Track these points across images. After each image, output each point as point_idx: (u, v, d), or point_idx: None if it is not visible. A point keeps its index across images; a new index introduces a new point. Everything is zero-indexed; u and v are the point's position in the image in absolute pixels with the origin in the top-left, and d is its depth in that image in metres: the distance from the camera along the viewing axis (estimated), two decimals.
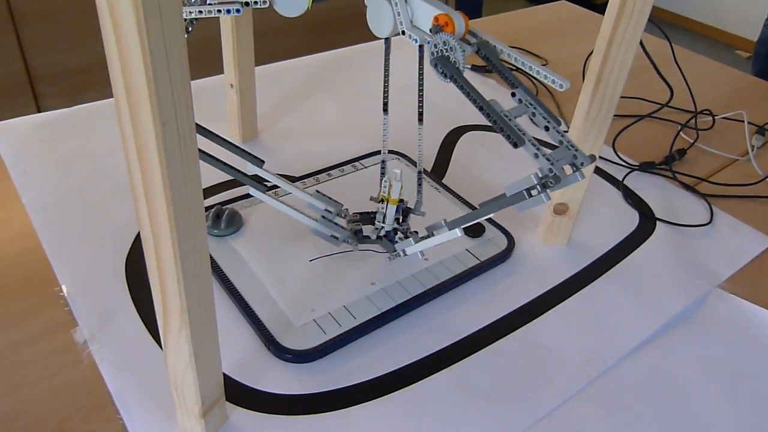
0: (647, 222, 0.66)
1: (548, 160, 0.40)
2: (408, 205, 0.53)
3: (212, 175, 0.65)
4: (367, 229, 0.55)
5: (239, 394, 0.45)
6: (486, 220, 0.61)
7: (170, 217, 0.29)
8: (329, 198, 0.54)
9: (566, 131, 0.41)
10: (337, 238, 0.53)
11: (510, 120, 0.40)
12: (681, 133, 0.81)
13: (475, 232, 0.59)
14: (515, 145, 0.39)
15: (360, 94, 0.85)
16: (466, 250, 0.58)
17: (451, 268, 0.56)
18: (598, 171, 0.73)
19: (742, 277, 0.60)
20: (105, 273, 0.54)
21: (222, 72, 0.69)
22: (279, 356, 0.48)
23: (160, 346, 0.48)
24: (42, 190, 0.62)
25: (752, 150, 0.79)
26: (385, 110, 0.51)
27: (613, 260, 0.60)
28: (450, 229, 0.46)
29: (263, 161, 0.52)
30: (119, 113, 0.27)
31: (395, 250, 0.51)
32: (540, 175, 0.40)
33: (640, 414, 0.47)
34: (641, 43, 0.56)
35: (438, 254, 0.57)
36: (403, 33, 0.45)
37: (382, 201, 0.52)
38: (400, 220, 0.53)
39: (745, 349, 0.53)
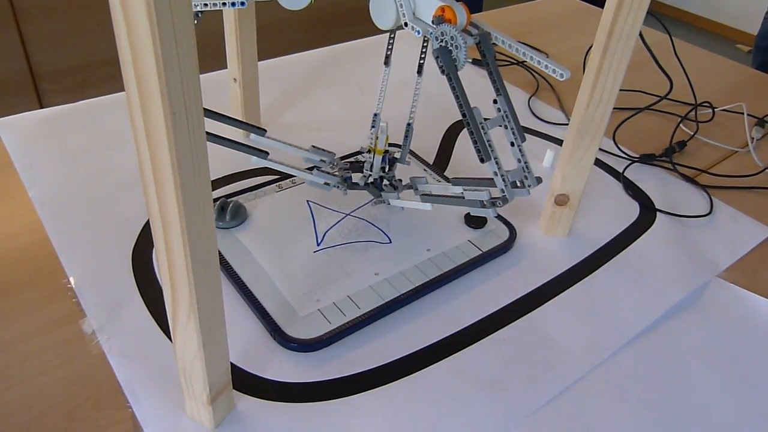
0: (648, 213, 0.66)
1: (504, 181, 0.45)
2: (394, 156, 0.58)
3: (217, 168, 0.66)
4: (356, 177, 0.59)
5: (246, 382, 0.46)
6: None
7: (179, 205, 0.30)
8: (322, 150, 0.58)
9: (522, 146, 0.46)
10: (329, 184, 0.57)
11: (485, 132, 0.44)
12: (681, 125, 0.82)
13: (477, 223, 0.60)
14: (482, 161, 0.44)
15: (362, 88, 0.86)
16: (469, 241, 0.58)
17: (453, 258, 0.56)
18: (599, 163, 0.74)
19: (742, 267, 0.61)
20: (112, 265, 0.55)
21: (225, 67, 0.70)
22: (284, 345, 0.48)
23: (168, 336, 0.49)
24: (48, 185, 0.63)
25: (752, 142, 0.80)
26: (387, 63, 0.55)
27: (614, 250, 0.61)
28: (423, 202, 0.53)
29: (265, 130, 0.55)
30: (130, 103, 0.28)
31: (380, 197, 0.57)
32: (491, 194, 0.46)
33: (642, 400, 0.47)
34: (641, 35, 0.57)
35: (441, 245, 0.57)
36: (406, 25, 0.45)
37: (369, 151, 0.57)
38: (387, 169, 0.58)
39: (744, 337, 0.53)
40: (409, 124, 0.58)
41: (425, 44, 0.53)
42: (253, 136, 0.55)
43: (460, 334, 0.51)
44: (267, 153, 0.54)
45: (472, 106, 0.43)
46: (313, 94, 0.84)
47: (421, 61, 0.53)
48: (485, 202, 0.47)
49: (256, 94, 0.72)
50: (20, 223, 0.59)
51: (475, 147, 0.44)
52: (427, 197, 0.53)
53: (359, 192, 0.60)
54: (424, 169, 0.68)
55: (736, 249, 0.63)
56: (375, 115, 0.58)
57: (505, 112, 0.45)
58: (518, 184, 0.47)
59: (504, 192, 0.46)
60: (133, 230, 0.58)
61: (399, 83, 0.85)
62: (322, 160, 0.58)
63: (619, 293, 0.56)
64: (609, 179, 0.71)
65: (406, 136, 0.58)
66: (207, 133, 0.49)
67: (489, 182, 0.48)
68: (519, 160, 0.46)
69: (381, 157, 0.57)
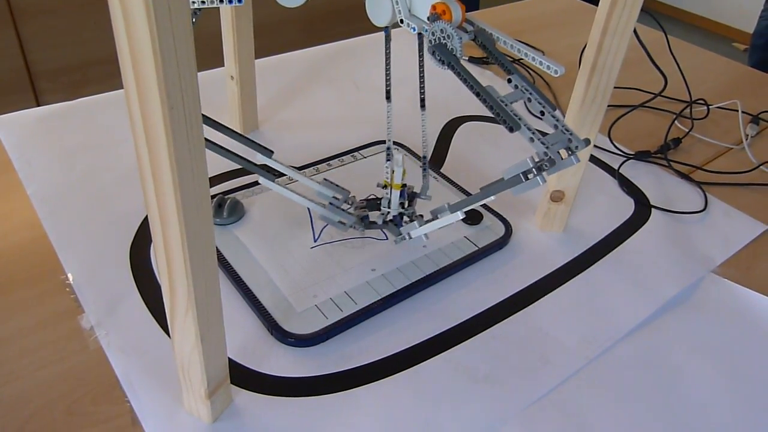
0: (642, 209, 0.67)
1: (543, 144, 0.41)
2: (414, 190, 0.54)
3: (215, 165, 0.66)
4: (373, 215, 0.56)
5: (243, 377, 0.46)
6: (484, 207, 0.62)
7: (177, 199, 0.30)
8: (337, 186, 0.55)
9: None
10: (344, 223, 0.54)
11: (506, 105, 0.41)
12: (676, 122, 0.82)
13: (473, 219, 0.60)
14: (511, 130, 0.41)
15: (359, 85, 0.86)
16: (465, 237, 0.59)
17: (449, 254, 0.57)
18: (594, 160, 0.74)
19: (736, 263, 0.61)
20: (110, 261, 0.55)
21: (223, 65, 0.70)
22: (282, 340, 0.49)
23: (166, 332, 0.49)
24: (46, 182, 0.63)
25: (746, 139, 0.80)
26: (388, 98, 0.52)
27: (609, 246, 0.61)
28: (452, 213, 0.47)
29: (272, 151, 0.53)
30: (128, 98, 0.28)
31: (400, 234, 0.52)
32: (536, 159, 0.41)
33: (636, 394, 0.48)
34: (635, 31, 0.57)
35: (437, 241, 0.58)
36: (402, 22, 0.46)
37: (385, 187, 0.53)
38: (406, 205, 0.53)
39: (738, 332, 0.54)
40: (424, 157, 0.55)
41: (423, 81, 0.50)
42: (259, 156, 0.53)
43: (456, 329, 0.51)
44: (275, 175, 0.53)
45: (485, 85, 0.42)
46: (310, 91, 0.84)
47: (422, 96, 0.51)
48: (529, 172, 0.42)
49: (253, 91, 0.72)
50: (18, 220, 0.59)
51: (500, 120, 0.41)
52: (455, 206, 0.48)
53: (357, 188, 0.61)
54: (420, 166, 0.68)
55: (731, 245, 0.63)
56: (387, 148, 0.54)
57: (523, 86, 0.43)
58: (562, 155, 0.42)
59: (547, 154, 0.41)
60: (131, 226, 0.58)
61: (395, 81, 0.85)
62: (335, 197, 0.54)
63: (614, 289, 0.57)
64: (604, 176, 0.72)
65: (424, 169, 0.55)
66: (221, 147, 0.50)
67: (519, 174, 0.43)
68: (556, 126, 0.42)
69: (399, 191, 0.52)
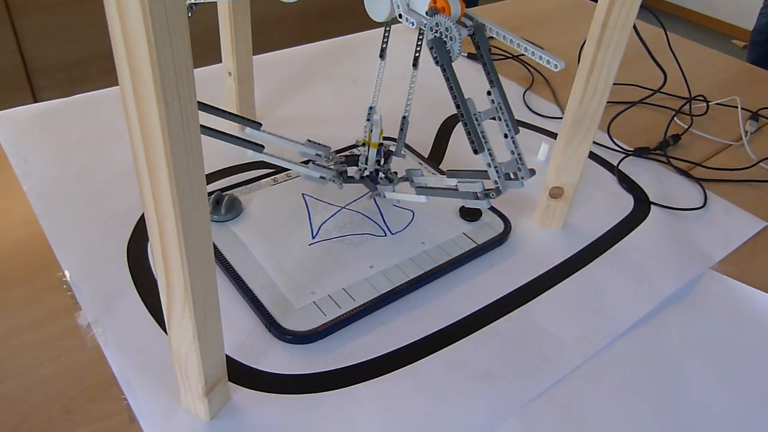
0: (642, 206, 0.67)
1: (497, 172, 0.45)
2: (390, 149, 0.59)
3: (212, 162, 0.66)
4: (351, 170, 0.60)
5: (241, 374, 0.46)
6: None
7: (173, 196, 0.30)
8: (318, 144, 0.58)
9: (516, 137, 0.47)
10: (324, 178, 0.58)
11: (479, 124, 0.44)
12: (675, 118, 0.82)
13: (472, 216, 0.60)
14: (475, 152, 0.44)
15: (357, 82, 0.86)
16: (464, 233, 0.58)
17: (448, 251, 0.56)
18: (594, 156, 0.74)
19: (735, 259, 0.61)
20: (107, 258, 0.55)
21: (220, 62, 0.70)
22: (280, 338, 0.49)
23: (163, 329, 0.49)
24: (43, 178, 0.63)
25: (746, 135, 0.80)
26: (382, 57, 0.54)
27: (609, 243, 0.61)
28: (417, 194, 0.53)
29: (260, 124, 0.55)
30: (124, 95, 0.28)
31: (376, 190, 0.57)
32: (484, 186, 0.47)
33: (635, 391, 0.48)
34: (635, 27, 0.57)
35: (436, 238, 0.58)
36: (400, 17, 0.45)
37: (363, 144, 0.57)
38: (382, 162, 0.58)
39: (737, 328, 0.54)
40: (404, 117, 0.58)
41: (421, 37, 0.53)
42: (248, 130, 0.54)
43: (455, 326, 0.51)
44: (263, 146, 0.53)
45: (465, 97, 0.43)
46: (308, 88, 0.84)
47: (417, 54, 0.53)
48: (479, 194, 0.47)
49: (251, 87, 0.72)
50: (15, 217, 0.59)
51: (468, 138, 0.44)
52: (422, 189, 0.53)
53: (355, 185, 0.61)
54: (420, 162, 0.68)
55: (730, 241, 0.63)
56: (370, 108, 0.58)
57: (498, 104, 0.45)
58: (512, 176, 0.47)
59: (497, 183, 0.46)
60: (128, 223, 0.58)
61: (395, 77, 0.85)
62: (317, 155, 0.58)
63: (613, 285, 0.57)
64: (603, 172, 0.72)
65: (401, 129, 0.58)
66: (202, 126, 0.50)
67: (484, 174, 0.48)
68: (512, 152, 0.47)
69: (376, 150, 0.57)
